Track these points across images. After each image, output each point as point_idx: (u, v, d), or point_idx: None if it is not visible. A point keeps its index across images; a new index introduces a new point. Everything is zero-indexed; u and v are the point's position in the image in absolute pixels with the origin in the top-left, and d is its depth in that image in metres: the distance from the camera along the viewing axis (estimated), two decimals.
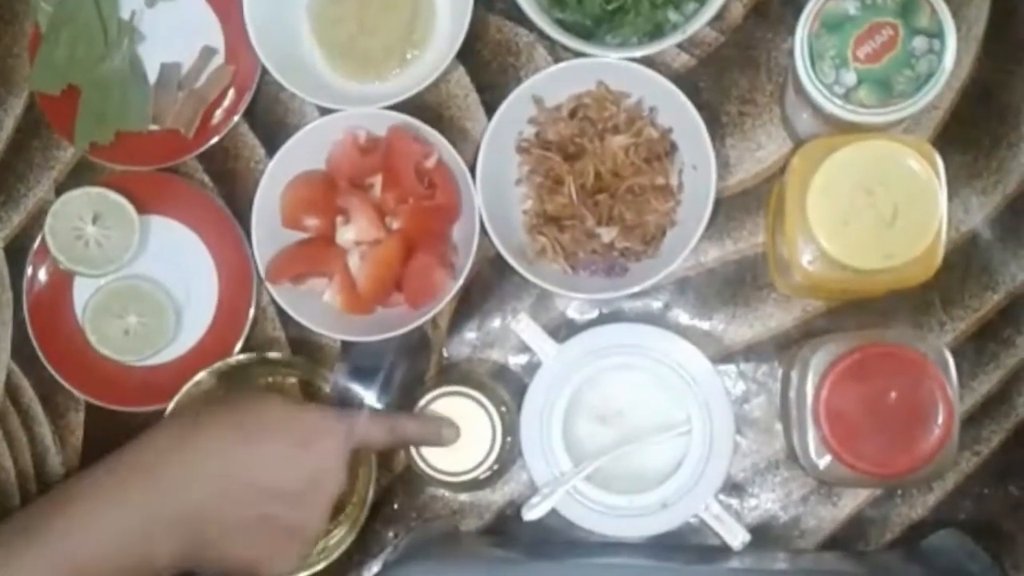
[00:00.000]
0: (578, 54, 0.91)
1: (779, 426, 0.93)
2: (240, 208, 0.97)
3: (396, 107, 0.92)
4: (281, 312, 0.95)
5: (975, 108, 0.93)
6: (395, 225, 0.93)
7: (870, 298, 0.92)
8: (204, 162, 1.00)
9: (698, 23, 0.89)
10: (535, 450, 0.90)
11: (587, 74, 0.92)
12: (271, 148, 0.97)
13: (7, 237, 1.01)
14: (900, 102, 0.79)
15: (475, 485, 0.92)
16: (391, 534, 0.96)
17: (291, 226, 0.95)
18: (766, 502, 0.93)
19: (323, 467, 0.80)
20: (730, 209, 0.95)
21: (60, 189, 1.00)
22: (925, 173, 0.79)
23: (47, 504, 0.77)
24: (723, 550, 0.90)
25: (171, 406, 0.93)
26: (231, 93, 0.98)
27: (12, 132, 1.02)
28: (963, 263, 0.93)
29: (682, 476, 0.88)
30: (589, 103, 0.93)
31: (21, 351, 1.00)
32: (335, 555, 0.93)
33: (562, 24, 0.93)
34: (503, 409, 0.90)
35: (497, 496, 0.95)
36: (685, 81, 0.94)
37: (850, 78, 0.79)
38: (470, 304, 0.97)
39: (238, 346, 0.97)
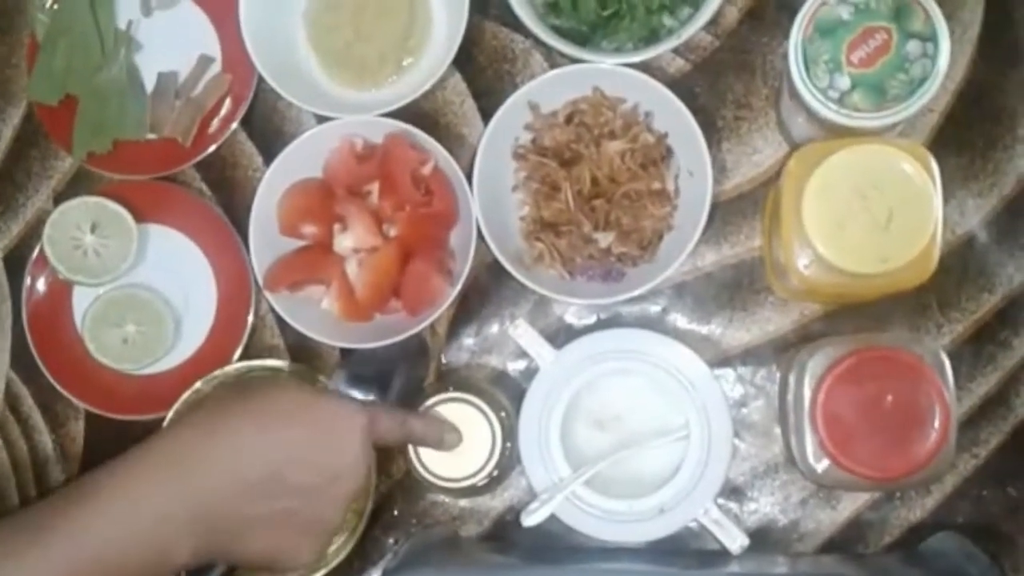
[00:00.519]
0: (574, 60, 0.92)
1: (777, 430, 0.93)
2: (238, 216, 0.97)
3: (392, 114, 0.92)
4: (280, 320, 0.95)
5: (970, 111, 0.94)
6: (392, 232, 0.93)
7: (867, 301, 0.92)
8: (202, 171, 1.00)
9: (693, 28, 0.89)
10: (534, 455, 0.90)
11: (583, 80, 0.92)
12: (268, 156, 0.97)
13: (6, 247, 1.02)
14: (894, 106, 0.79)
15: (474, 491, 0.92)
16: (391, 540, 0.96)
17: (289, 234, 0.95)
18: (765, 506, 0.94)
19: (343, 460, 0.79)
20: (727, 213, 0.95)
21: (58, 199, 1.00)
22: (920, 177, 0.79)
23: (63, 498, 0.76)
24: (722, 554, 0.90)
25: (170, 414, 0.93)
26: (228, 101, 0.98)
27: (10, 142, 1.02)
28: (960, 266, 0.93)
29: (680, 481, 0.88)
30: (585, 109, 0.93)
31: (21, 360, 1.00)
32: (335, 562, 0.93)
33: (558, 30, 0.93)
34: (502, 415, 0.90)
35: (497, 502, 0.95)
36: (681, 86, 0.94)
37: (844, 82, 0.79)
38: (468, 310, 0.97)
39: (237, 354, 0.97)
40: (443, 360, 0.97)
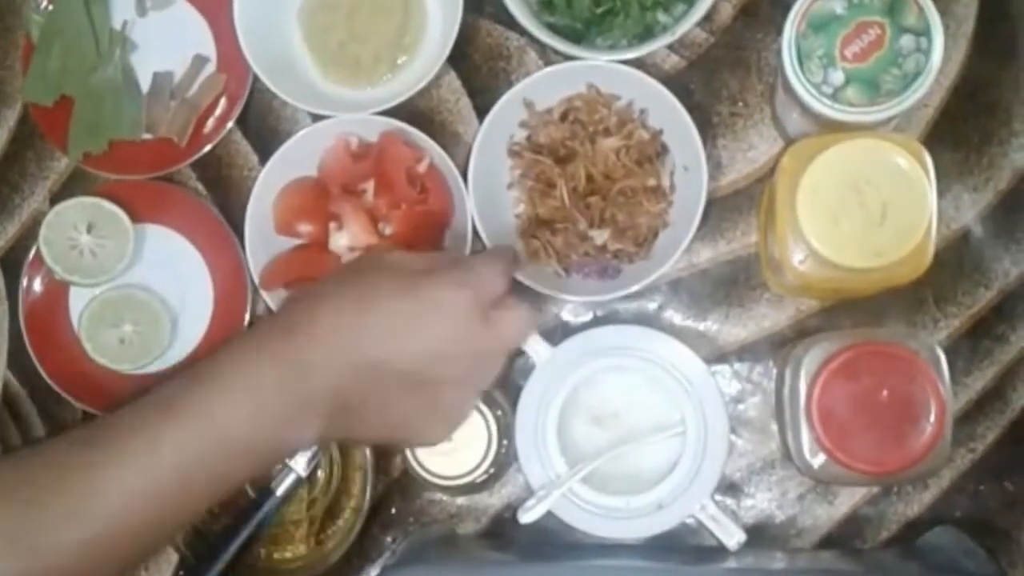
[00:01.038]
0: (569, 57, 0.92)
1: (774, 426, 0.93)
2: (234, 215, 0.97)
3: (388, 113, 0.92)
4: None
5: (966, 105, 0.93)
6: (388, 231, 0.93)
7: (864, 297, 0.92)
8: (197, 170, 1.00)
9: (687, 24, 0.89)
10: (530, 453, 0.90)
11: (577, 77, 0.92)
12: (264, 155, 0.97)
13: (2, 248, 1.02)
14: (888, 101, 0.79)
15: (472, 489, 0.92)
16: (389, 539, 0.96)
17: (284, 233, 0.95)
18: (762, 501, 0.94)
19: (451, 339, 0.75)
20: (722, 210, 0.95)
21: (55, 199, 1.00)
22: (914, 171, 0.79)
23: (186, 380, 0.74)
24: (720, 550, 0.90)
25: None
26: (223, 101, 0.98)
27: (6, 143, 1.02)
28: (956, 260, 0.93)
29: (677, 477, 0.88)
30: (580, 106, 0.93)
31: (18, 361, 1.00)
32: (332, 560, 0.93)
33: (552, 28, 0.93)
34: (499, 412, 0.90)
35: (494, 499, 0.95)
36: (676, 83, 0.94)
37: (838, 77, 0.79)
38: None
39: None
40: None
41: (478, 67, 0.98)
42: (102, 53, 0.99)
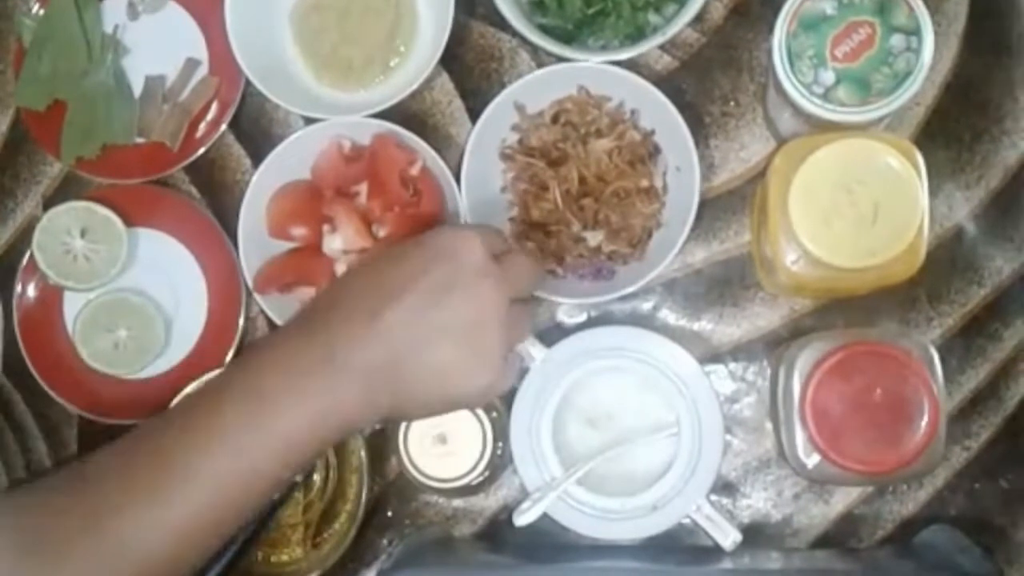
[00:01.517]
0: (560, 59, 0.92)
1: (769, 425, 0.93)
2: (227, 219, 0.97)
3: (380, 115, 0.92)
4: (271, 321, 0.95)
5: (957, 104, 0.93)
6: (381, 233, 0.93)
7: (857, 296, 0.92)
8: (190, 174, 1.00)
9: (679, 25, 0.89)
10: (525, 455, 0.90)
11: (567, 79, 0.92)
12: (256, 159, 0.97)
13: None
14: (879, 100, 0.79)
15: (467, 491, 0.92)
16: (385, 541, 0.96)
17: (278, 236, 0.95)
18: (758, 501, 0.94)
19: (465, 271, 0.75)
20: (716, 210, 0.95)
21: (48, 204, 1.00)
22: (905, 170, 0.79)
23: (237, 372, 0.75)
24: (716, 551, 0.90)
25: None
26: (215, 104, 0.98)
27: None
28: (948, 258, 0.93)
29: (672, 477, 0.88)
30: (571, 108, 0.93)
31: (13, 366, 1.00)
32: (329, 563, 0.93)
33: (544, 29, 0.93)
34: (493, 415, 0.90)
35: (490, 501, 0.95)
36: (668, 83, 0.94)
37: (828, 77, 0.79)
38: None
39: (229, 356, 0.97)
40: None
41: (470, 69, 0.98)
42: (94, 57, 0.99)
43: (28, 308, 0.99)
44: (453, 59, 0.97)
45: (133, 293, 0.98)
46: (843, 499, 0.93)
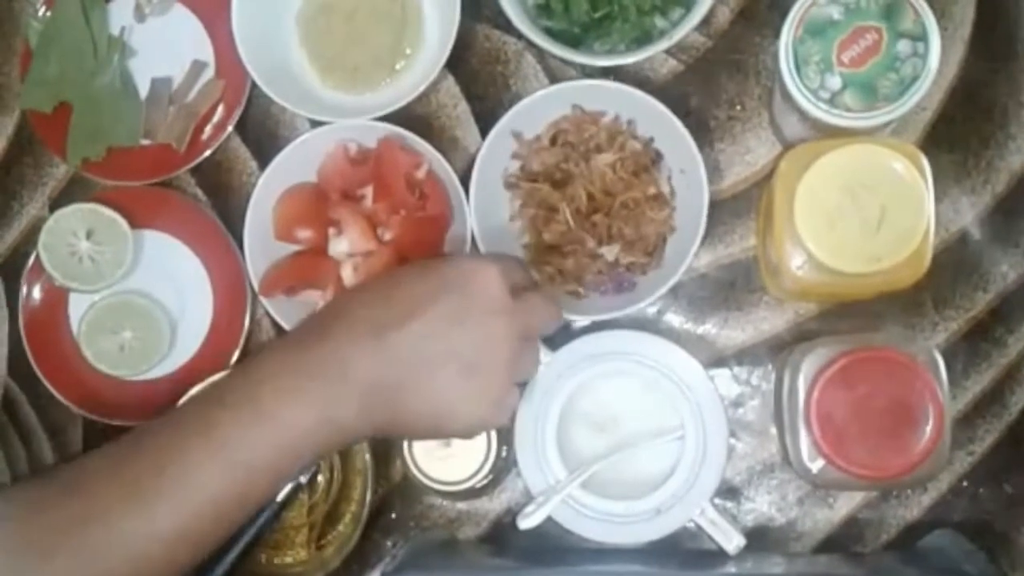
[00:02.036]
0: (566, 62, 0.92)
1: (774, 430, 0.93)
2: (233, 221, 0.97)
3: (386, 118, 0.92)
4: (276, 324, 0.95)
5: (963, 108, 0.93)
6: (387, 236, 0.93)
7: (862, 300, 0.92)
8: (196, 176, 1.00)
9: (685, 28, 0.89)
10: (530, 458, 0.90)
11: (560, 100, 0.92)
12: (263, 161, 0.97)
13: (2, 255, 1.02)
14: (885, 106, 0.79)
15: (472, 494, 0.92)
16: (389, 543, 0.96)
17: (284, 238, 0.95)
18: (762, 505, 0.94)
19: (478, 308, 0.76)
20: (721, 213, 0.95)
21: (54, 206, 1.00)
22: (911, 176, 0.79)
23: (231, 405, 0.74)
24: (719, 555, 0.90)
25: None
26: (222, 107, 0.98)
27: (4, 150, 1.02)
28: (954, 263, 0.93)
29: (677, 481, 0.88)
30: (568, 128, 0.93)
31: (18, 368, 1.00)
32: (333, 565, 0.93)
33: (550, 32, 0.93)
34: None
35: (494, 504, 0.96)
36: (673, 87, 0.94)
37: (835, 82, 0.79)
38: None
39: (234, 359, 0.97)
40: None
41: (476, 72, 0.98)
42: (100, 59, 0.99)
43: (33, 309, 1.00)
44: (459, 62, 0.97)
45: (138, 295, 0.98)
46: (847, 504, 0.93)
